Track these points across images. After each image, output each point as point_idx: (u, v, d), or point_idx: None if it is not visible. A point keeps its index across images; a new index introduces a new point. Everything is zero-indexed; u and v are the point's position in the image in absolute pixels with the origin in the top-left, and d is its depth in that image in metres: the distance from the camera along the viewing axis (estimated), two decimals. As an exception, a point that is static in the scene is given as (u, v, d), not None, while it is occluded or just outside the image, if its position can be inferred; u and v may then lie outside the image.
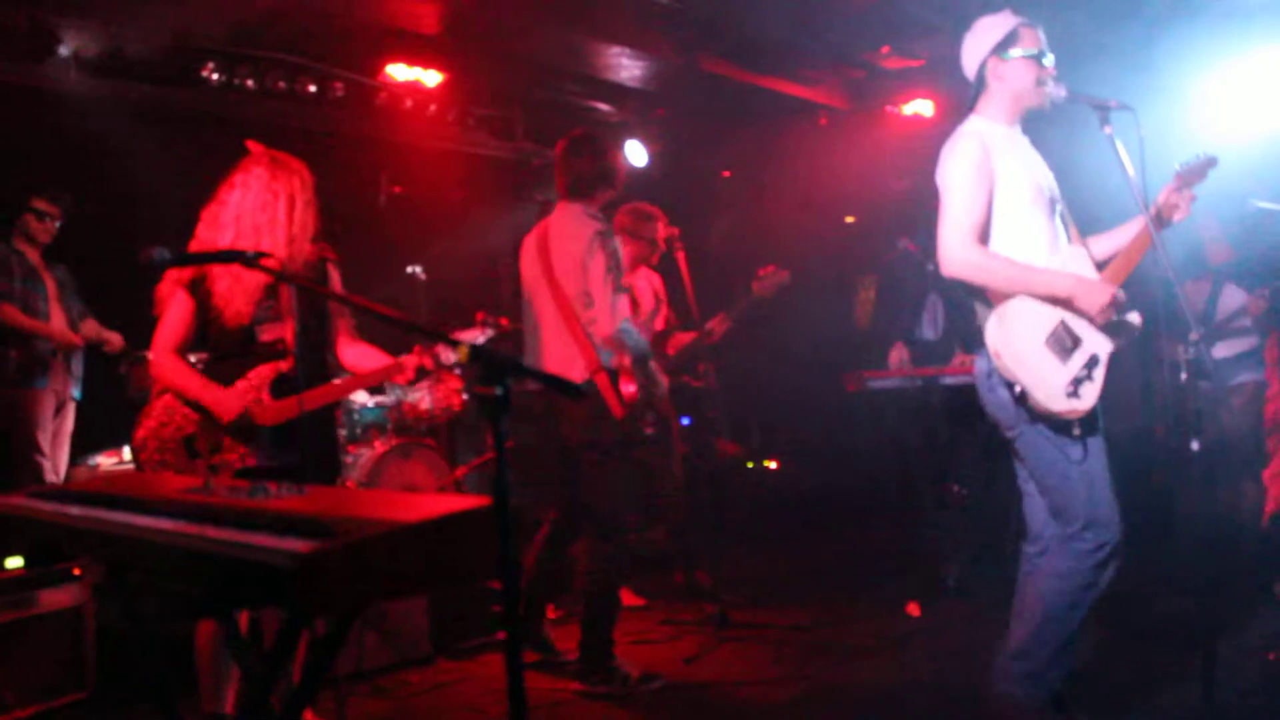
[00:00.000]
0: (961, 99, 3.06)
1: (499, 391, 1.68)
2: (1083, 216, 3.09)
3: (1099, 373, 2.83)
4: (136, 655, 3.58)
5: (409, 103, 6.15)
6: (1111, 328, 2.84)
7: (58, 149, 5.13)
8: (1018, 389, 2.80)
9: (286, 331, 3.02)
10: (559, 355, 3.78)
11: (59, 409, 4.97)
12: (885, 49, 6.38)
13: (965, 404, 3.58)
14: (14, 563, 3.67)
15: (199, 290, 2.99)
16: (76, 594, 3.68)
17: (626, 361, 3.72)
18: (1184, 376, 3.05)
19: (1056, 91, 2.91)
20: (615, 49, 6.01)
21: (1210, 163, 2.88)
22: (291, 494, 2.00)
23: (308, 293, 3.02)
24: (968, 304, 2.98)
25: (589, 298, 3.72)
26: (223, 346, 3.01)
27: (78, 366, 5.07)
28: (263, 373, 2.97)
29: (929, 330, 5.55)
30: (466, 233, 6.67)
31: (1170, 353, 3.21)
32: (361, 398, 5.20)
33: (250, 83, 5.55)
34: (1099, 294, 2.78)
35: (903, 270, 5.70)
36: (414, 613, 4.18)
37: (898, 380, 5.01)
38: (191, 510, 1.90)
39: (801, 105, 6.89)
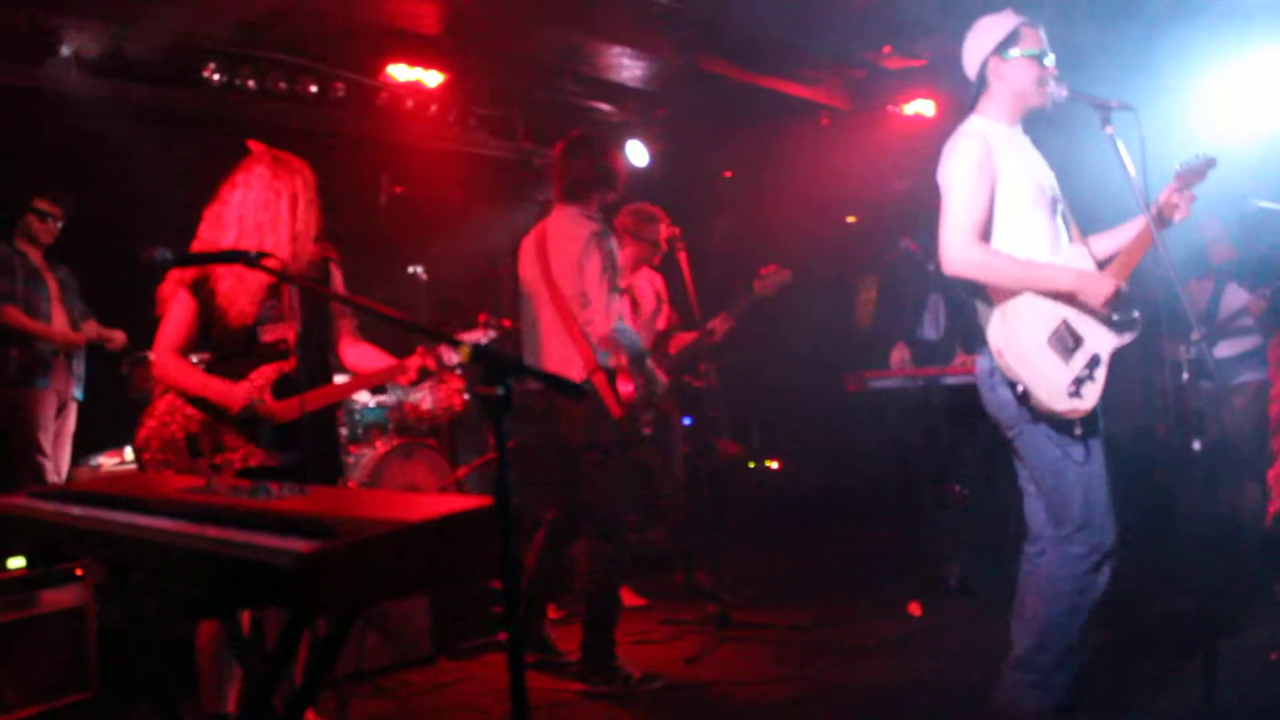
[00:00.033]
0: (963, 99, 3.06)
1: (500, 391, 1.68)
2: (1084, 216, 3.09)
3: (1101, 372, 2.83)
4: (138, 655, 3.58)
5: (410, 103, 6.15)
6: (1117, 324, 2.85)
7: (58, 149, 5.14)
8: (1020, 388, 2.80)
9: (289, 332, 3.02)
10: (557, 356, 3.78)
11: (61, 409, 4.97)
12: (886, 49, 6.38)
13: (966, 404, 3.58)
14: (16, 563, 3.68)
15: (202, 290, 2.99)
16: (78, 594, 3.68)
17: (623, 361, 3.73)
18: (1186, 376, 3.05)
19: (1058, 91, 2.90)
20: (616, 49, 6.01)
21: (1209, 163, 2.88)
22: (293, 494, 2.00)
23: (310, 293, 3.02)
24: (969, 303, 2.98)
25: (585, 298, 3.73)
26: (226, 346, 3.01)
27: (79, 367, 5.07)
28: (265, 373, 2.96)
29: (930, 330, 5.54)
30: (467, 233, 6.67)
31: (1172, 352, 3.21)
32: (363, 398, 5.20)
33: (251, 83, 5.55)
34: (1102, 285, 2.78)
35: (904, 270, 5.70)
36: (415, 613, 4.18)
37: (899, 380, 5.01)
38: (193, 510, 1.90)
39: (802, 105, 6.88)
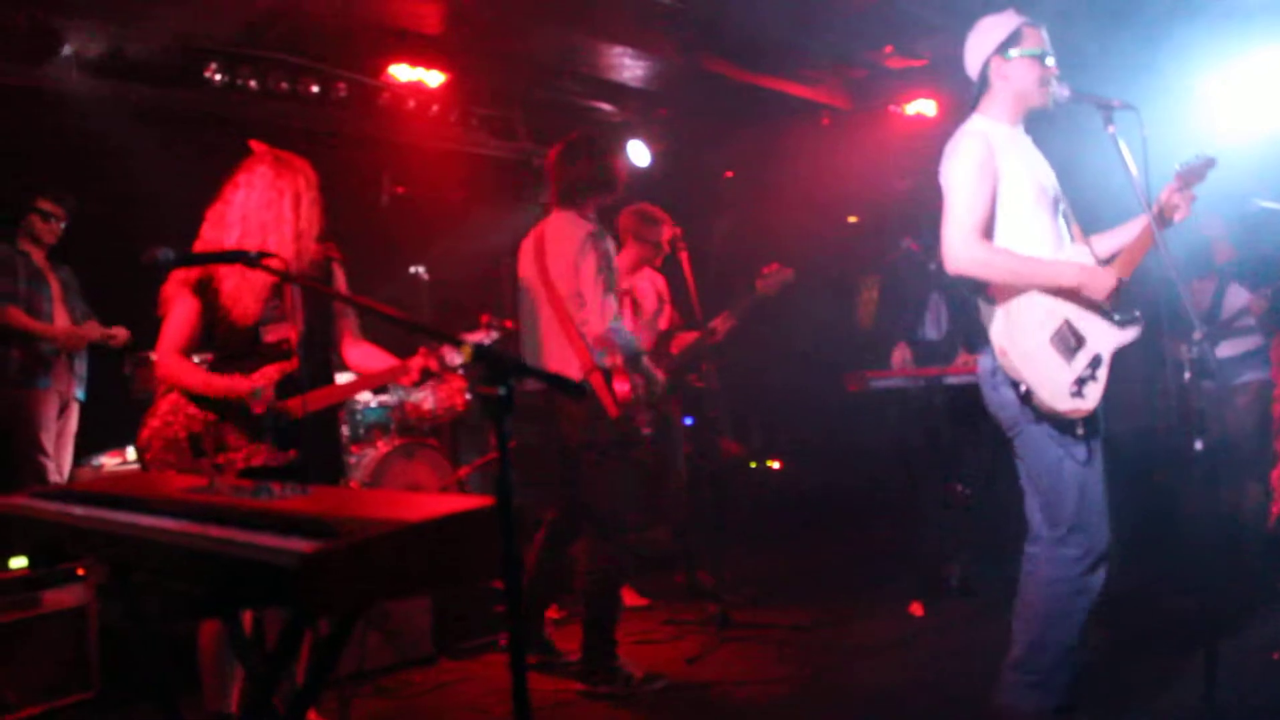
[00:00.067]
0: (964, 99, 3.06)
1: (502, 392, 1.68)
2: (1085, 216, 3.09)
3: (1102, 373, 2.83)
4: (140, 655, 3.59)
5: (411, 103, 6.16)
6: (1119, 322, 2.85)
7: (60, 150, 5.13)
8: (1023, 388, 2.80)
9: (291, 332, 3.02)
10: (556, 356, 3.79)
11: (63, 409, 4.97)
12: (888, 48, 6.37)
13: (968, 404, 3.59)
14: (18, 563, 3.68)
15: (206, 290, 2.99)
16: (80, 594, 3.69)
17: (619, 361, 3.73)
18: (1187, 376, 3.05)
19: (1059, 91, 2.90)
20: (617, 49, 6.01)
21: (1209, 163, 2.88)
22: (295, 494, 2.00)
23: (313, 293, 3.02)
24: (971, 303, 2.98)
25: (581, 298, 3.73)
26: (229, 346, 3.01)
27: (81, 367, 5.07)
28: (268, 373, 2.96)
29: (932, 330, 5.54)
30: (468, 233, 6.67)
31: (1174, 352, 3.20)
32: (365, 397, 5.20)
33: (253, 83, 5.55)
34: (1105, 279, 2.79)
35: (905, 270, 5.70)
36: (417, 613, 4.18)
37: (900, 380, 5.01)
38: (195, 510, 1.90)
39: (804, 105, 6.88)
